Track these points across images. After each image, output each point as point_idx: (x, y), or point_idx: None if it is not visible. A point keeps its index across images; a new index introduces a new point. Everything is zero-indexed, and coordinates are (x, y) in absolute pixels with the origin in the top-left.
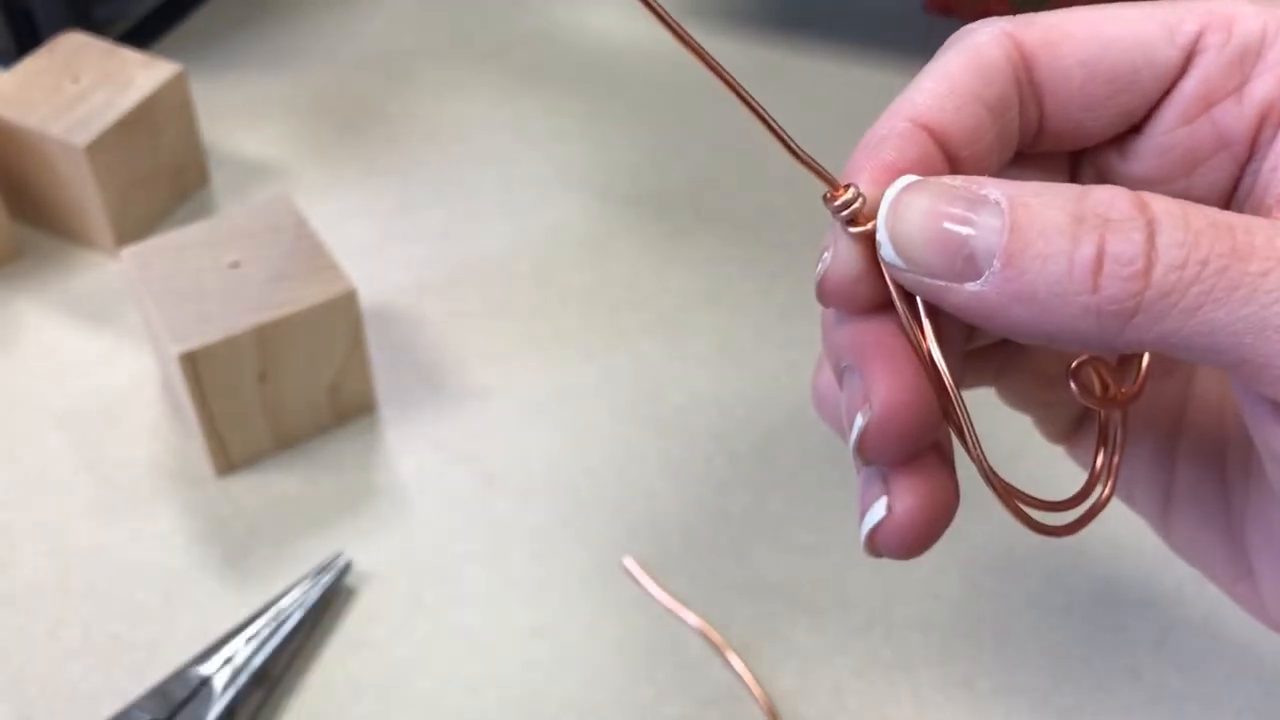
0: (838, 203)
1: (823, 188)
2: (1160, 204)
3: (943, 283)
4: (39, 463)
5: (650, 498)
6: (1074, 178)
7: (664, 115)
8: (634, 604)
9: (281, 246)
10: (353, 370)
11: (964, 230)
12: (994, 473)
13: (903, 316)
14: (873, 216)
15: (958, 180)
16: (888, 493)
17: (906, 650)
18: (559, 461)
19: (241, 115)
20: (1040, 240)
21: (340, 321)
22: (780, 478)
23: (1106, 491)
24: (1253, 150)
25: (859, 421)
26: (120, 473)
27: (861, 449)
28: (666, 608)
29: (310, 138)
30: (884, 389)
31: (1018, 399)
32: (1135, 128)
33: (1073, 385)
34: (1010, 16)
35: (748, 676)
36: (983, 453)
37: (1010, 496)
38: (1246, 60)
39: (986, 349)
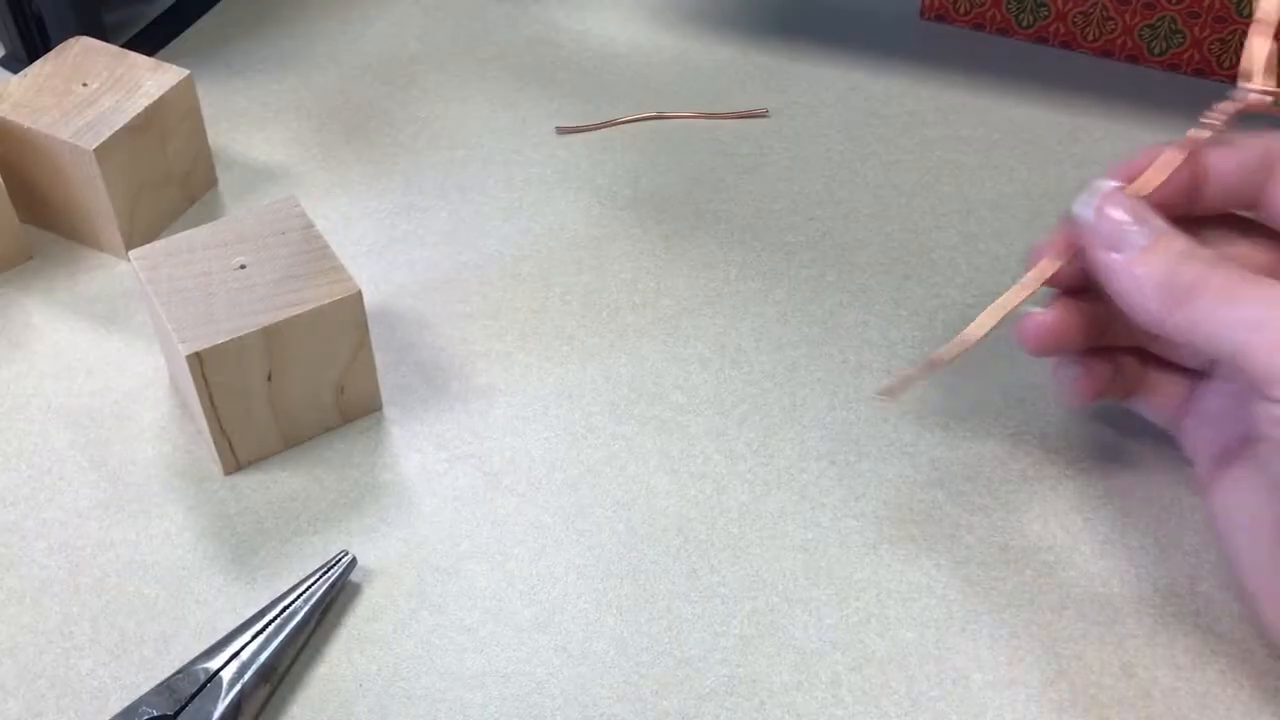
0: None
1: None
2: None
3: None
4: (49, 462)
5: (650, 496)
6: None
7: (663, 118)
8: (633, 601)
9: (288, 248)
10: (358, 370)
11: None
12: None
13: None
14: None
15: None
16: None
17: (902, 645)
18: (560, 460)
19: (248, 119)
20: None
21: (346, 322)
22: (778, 477)
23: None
24: None
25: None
26: (129, 471)
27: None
28: None
29: (316, 141)
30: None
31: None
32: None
33: None
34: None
35: None
36: None
37: None
38: None
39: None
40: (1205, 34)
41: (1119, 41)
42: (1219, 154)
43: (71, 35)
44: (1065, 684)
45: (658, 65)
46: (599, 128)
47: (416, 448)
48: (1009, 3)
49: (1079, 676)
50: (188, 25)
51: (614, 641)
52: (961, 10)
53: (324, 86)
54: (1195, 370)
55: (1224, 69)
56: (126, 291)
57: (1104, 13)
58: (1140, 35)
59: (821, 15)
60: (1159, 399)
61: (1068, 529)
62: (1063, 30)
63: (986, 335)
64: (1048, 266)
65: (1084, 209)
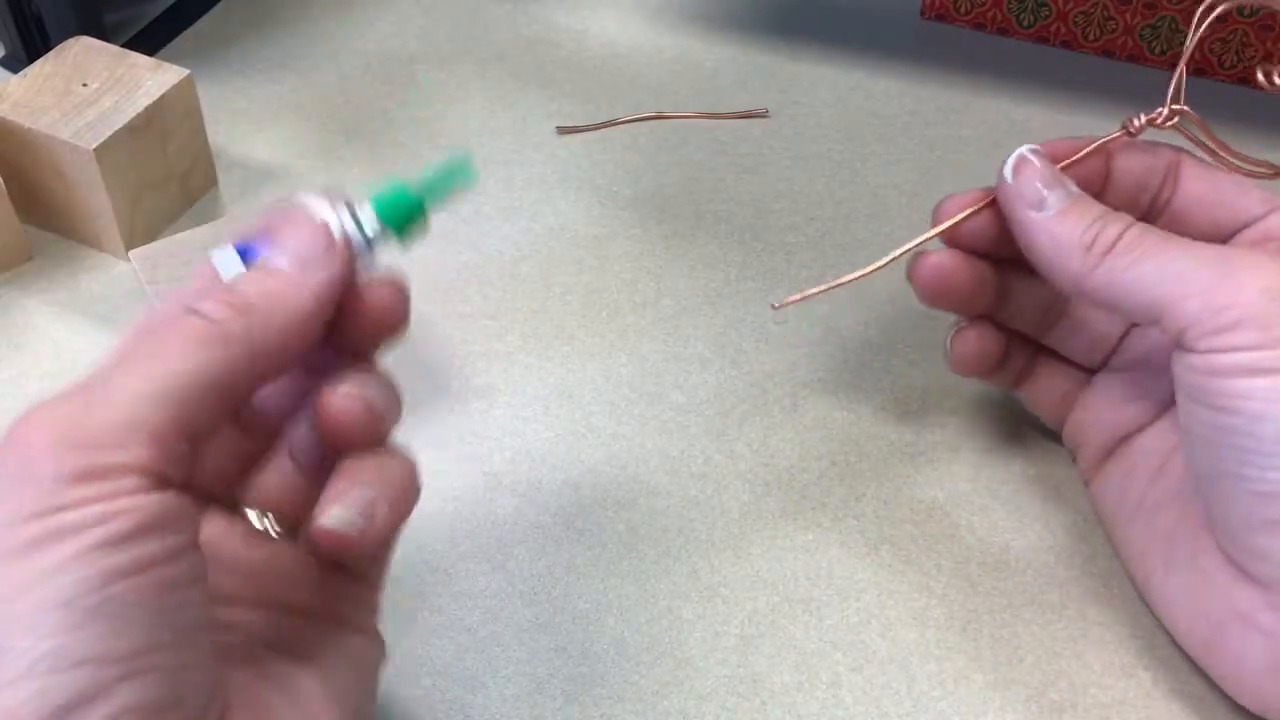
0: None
1: None
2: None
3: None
4: None
5: (650, 496)
6: None
7: (663, 118)
8: (633, 600)
9: None
10: None
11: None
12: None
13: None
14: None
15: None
16: None
17: (903, 646)
18: (560, 460)
19: (248, 119)
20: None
21: None
22: (778, 477)
23: None
24: None
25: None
26: None
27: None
28: None
29: (316, 141)
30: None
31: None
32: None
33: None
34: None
35: None
36: None
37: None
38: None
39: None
40: (1206, 34)
41: (1120, 41)
42: (1129, 153)
43: (71, 35)
44: (1065, 684)
45: (658, 65)
46: (599, 128)
47: (416, 447)
48: (1009, 3)
49: (1079, 676)
50: (188, 25)
51: (614, 641)
52: (961, 10)
53: (324, 87)
54: (1082, 366)
55: (1225, 69)
56: (126, 291)
57: (1105, 13)
58: (1141, 35)
59: (821, 15)
60: (1045, 393)
61: (1069, 529)
62: (1063, 30)
63: (884, 265)
64: (955, 217)
65: (1007, 169)
